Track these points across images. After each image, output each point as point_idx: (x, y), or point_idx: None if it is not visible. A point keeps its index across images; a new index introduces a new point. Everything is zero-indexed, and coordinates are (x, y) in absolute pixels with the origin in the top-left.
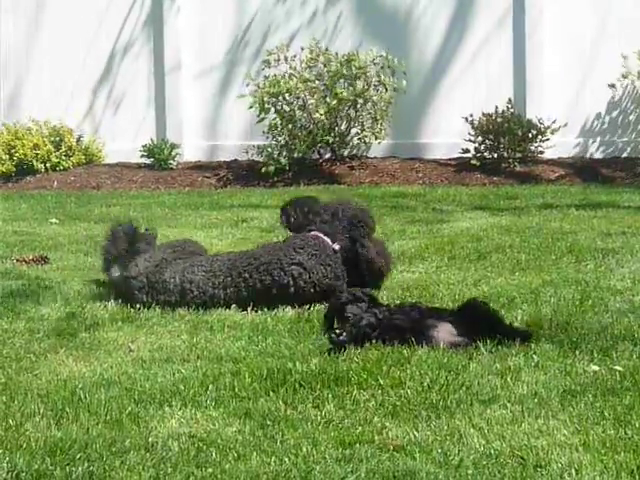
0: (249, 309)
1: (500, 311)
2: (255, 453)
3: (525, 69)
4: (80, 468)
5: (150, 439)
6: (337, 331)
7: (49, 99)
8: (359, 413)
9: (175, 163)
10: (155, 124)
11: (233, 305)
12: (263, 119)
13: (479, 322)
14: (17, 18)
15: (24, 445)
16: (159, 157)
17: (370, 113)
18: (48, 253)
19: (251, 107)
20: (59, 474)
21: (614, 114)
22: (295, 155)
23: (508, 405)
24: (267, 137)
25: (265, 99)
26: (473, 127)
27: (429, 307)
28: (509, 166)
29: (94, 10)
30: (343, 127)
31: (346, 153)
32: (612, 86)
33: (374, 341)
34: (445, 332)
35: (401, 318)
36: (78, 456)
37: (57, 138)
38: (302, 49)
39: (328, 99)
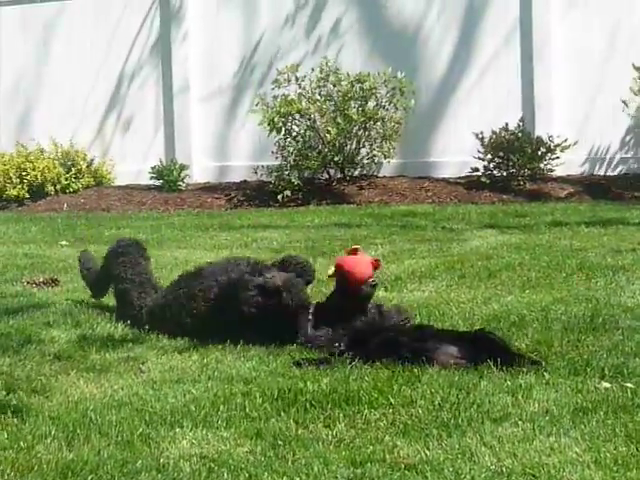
0: None
1: (511, 329)
2: (267, 473)
3: (533, 86)
4: None
5: (161, 460)
6: None
7: (59, 122)
8: (370, 432)
9: (184, 184)
10: (164, 145)
11: None
12: (276, 130)
13: (486, 348)
14: (27, 43)
15: (36, 467)
16: (168, 178)
17: (379, 133)
18: (58, 275)
19: (261, 124)
20: None
21: (624, 131)
22: (305, 175)
23: (519, 423)
24: (276, 157)
25: (275, 119)
26: (483, 144)
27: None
28: (519, 184)
29: (103, 34)
30: (353, 147)
31: (356, 173)
32: (623, 102)
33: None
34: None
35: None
36: (90, 478)
37: (68, 161)
38: (312, 69)
39: (339, 119)
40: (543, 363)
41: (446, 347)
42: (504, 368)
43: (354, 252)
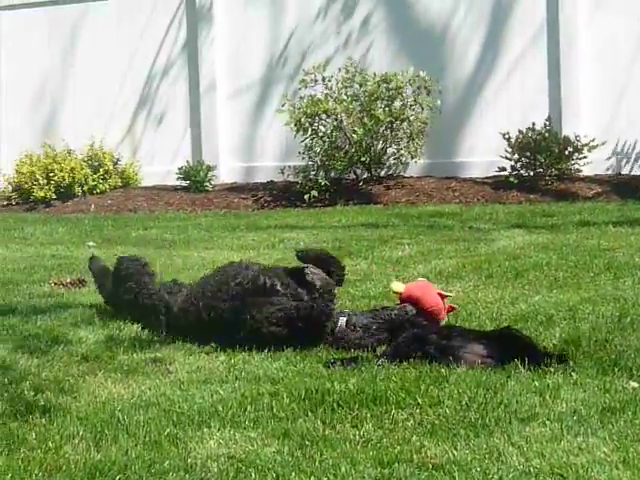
0: None
1: (538, 329)
2: (294, 473)
3: (560, 86)
4: None
5: (189, 460)
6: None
7: (86, 123)
8: (398, 432)
9: (211, 185)
10: (191, 146)
11: None
12: (303, 130)
13: (513, 346)
14: (52, 45)
15: (63, 467)
16: (195, 179)
17: (406, 132)
18: (85, 276)
19: (288, 124)
20: None
21: None
22: (332, 175)
23: (547, 423)
24: (303, 158)
25: (302, 119)
26: (510, 145)
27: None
28: (546, 184)
29: (129, 35)
30: (379, 147)
31: (382, 173)
32: None
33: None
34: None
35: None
36: (117, 478)
37: (95, 162)
38: (339, 70)
39: (365, 120)
40: (570, 362)
41: (472, 345)
42: (531, 368)
43: (442, 296)
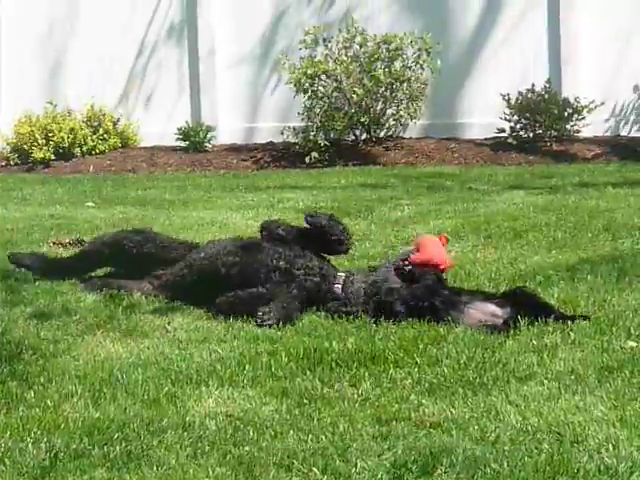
0: None
1: (537, 289)
2: (292, 431)
3: (560, 47)
4: (118, 448)
5: (187, 418)
6: None
7: (85, 84)
8: (396, 391)
9: (210, 146)
10: (190, 107)
11: None
12: (303, 90)
13: (529, 305)
14: (53, 4)
15: (62, 425)
16: (194, 140)
17: (406, 93)
18: (84, 236)
19: (288, 84)
20: (97, 454)
21: None
22: (331, 136)
23: (545, 382)
24: (302, 119)
25: (302, 80)
26: (509, 106)
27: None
28: (545, 145)
29: None
30: (379, 108)
31: (382, 134)
32: None
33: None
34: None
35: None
36: (116, 436)
37: (95, 122)
38: (339, 30)
39: (365, 80)
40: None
41: (480, 304)
42: (529, 327)
43: (443, 240)
